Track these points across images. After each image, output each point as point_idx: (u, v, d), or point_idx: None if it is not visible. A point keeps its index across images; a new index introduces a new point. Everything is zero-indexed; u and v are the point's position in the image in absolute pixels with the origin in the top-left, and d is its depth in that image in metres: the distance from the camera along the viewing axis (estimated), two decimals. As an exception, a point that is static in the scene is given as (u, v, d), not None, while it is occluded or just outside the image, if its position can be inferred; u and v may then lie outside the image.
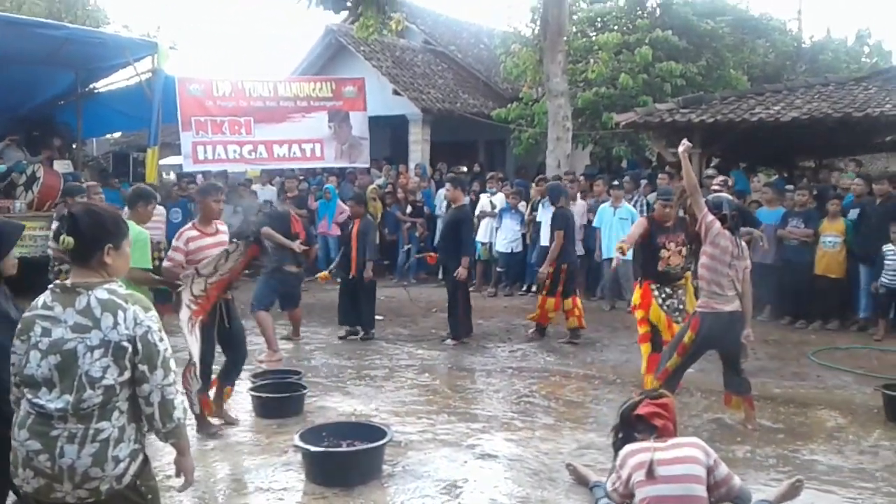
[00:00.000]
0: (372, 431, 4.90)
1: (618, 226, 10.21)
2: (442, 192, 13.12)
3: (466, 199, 10.68)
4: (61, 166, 12.23)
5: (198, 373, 4.99)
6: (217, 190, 5.82)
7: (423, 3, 20.17)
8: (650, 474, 3.56)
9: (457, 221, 8.58)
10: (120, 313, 2.46)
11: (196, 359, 4.90)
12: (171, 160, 16.18)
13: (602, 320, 9.82)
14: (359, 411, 6.11)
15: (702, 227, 5.47)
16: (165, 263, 5.55)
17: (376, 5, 11.68)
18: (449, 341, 8.60)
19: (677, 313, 6.34)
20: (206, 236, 5.54)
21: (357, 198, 9.28)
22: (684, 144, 5.61)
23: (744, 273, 5.50)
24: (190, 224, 5.69)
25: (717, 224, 5.40)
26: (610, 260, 10.01)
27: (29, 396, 2.46)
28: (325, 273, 9.53)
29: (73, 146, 13.71)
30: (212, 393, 5.72)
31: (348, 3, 12.15)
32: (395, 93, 15.90)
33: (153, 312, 2.53)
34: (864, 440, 5.48)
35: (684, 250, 6.44)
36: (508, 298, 11.53)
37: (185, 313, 4.95)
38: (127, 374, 2.47)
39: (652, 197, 11.14)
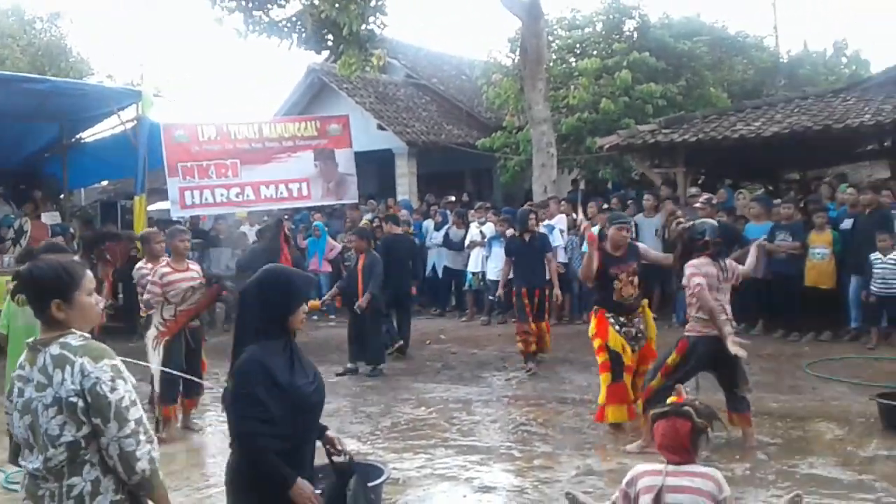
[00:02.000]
0: (369, 470, 4.86)
1: None
2: (430, 223, 13.24)
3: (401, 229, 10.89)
4: (49, 218, 12.25)
5: (155, 384, 6.16)
6: (181, 232, 6.84)
7: (403, 38, 20.41)
8: (657, 501, 3.53)
9: (369, 267, 8.76)
10: (67, 368, 2.38)
11: (154, 371, 6.01)
12: (160, 206, 16.19)
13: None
14: (355, 450, 6.04)
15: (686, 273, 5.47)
16: (145, 296, 6.44)
17: (357, 43, 11.79)
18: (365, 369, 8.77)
19: (634, 342, 6.15)
20: (177, 272, 6.41)
21: (360, 233, 9.35)
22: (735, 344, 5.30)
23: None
24: (164, 262, 6.56)
25: (698, 275, 5.36)
26: None
27: (21, 457, 2.51)
28: (315, 302, 9.54)
29: (61, 197, 13.72)
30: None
31: (329, 43, 12.26)
32: (380, 127, 16.01)
33: (106, 362, 2.41)
34: (862, 451, 5.47)
35: (636, 280, 6.26)
36: (502, 326, 11.51)
37: (152, 332, 6.08)
38: (86, 429, 2.40)
39: (640, 218, 11.28)
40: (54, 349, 2.42)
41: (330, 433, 3.21)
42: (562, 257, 10.88)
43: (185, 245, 6.64)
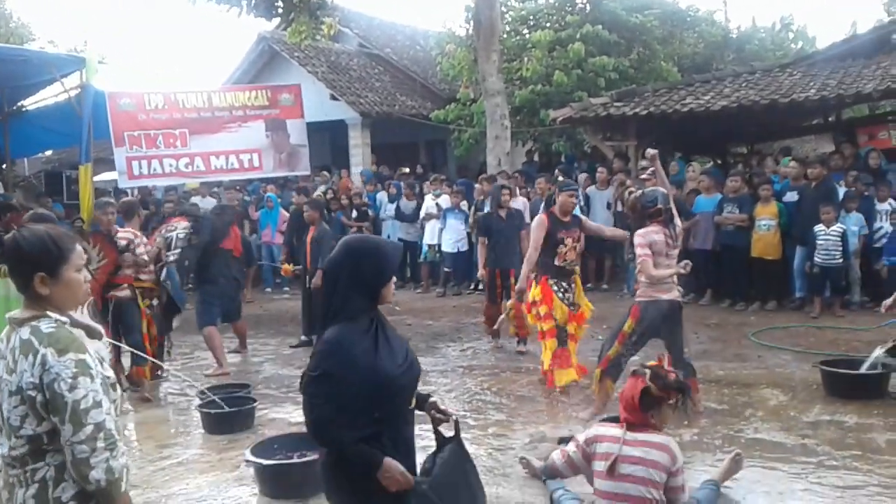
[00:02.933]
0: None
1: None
2: (383, 194, 13.20)
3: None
4: (-10, 188, 11.86)
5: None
6: (108, 204, 7.26)
7: (356, 7, 20.15)
8: (611, 470, 3.61)
9: (318, 240, 8.59)
10: (31, 357, 2.17)
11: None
12: (106, 176, 15.81)
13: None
14: (311, 421, 6.06)
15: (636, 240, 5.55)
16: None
17: (308, 11, 11.59)
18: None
19: (573, 307, 6.55)
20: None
21: (313, 203, 9.19)
22: (651, 152, 5.81)
23: None
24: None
25: (644, 245, 5.43)
26: None
27: None
28: (287, 266, 9.48)
29: (3, 167, 13.29)
30: None
31: (280, 10, 12.02)
32: (333, 98, 15.83)
33: (70, 356, 2.17)
34: (804, 416, 5.67)
35: (578, 246, 6.71)
36: (457, 297, 11.60)
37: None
38: (46, 424, 2.20)
39: (592, 190, 11.41)
40: (24, 332, 2.22)
41: (433, 399, 3.02)
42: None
43: (109, 218, 7.02)
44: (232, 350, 8.44)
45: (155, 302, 7.33)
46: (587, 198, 11.33)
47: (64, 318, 2.27)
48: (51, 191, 14.40)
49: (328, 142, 17.13)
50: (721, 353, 7.66)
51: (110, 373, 2.31)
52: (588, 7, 15.98)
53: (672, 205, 5.68)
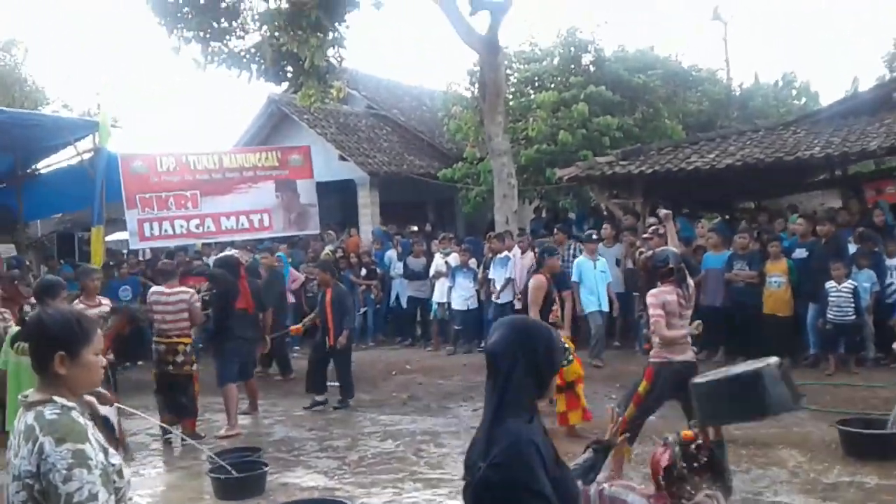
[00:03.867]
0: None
1: (600, 278, 10.24)
2: (392, 252, 13.26)
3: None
4: (4, 249, 11.96)
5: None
6: (94, 271, 7.55)
7: (364, 69, 20.53)
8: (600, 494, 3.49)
9: (338, 300, 8.71)
10: (30, 444, 2.13)
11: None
12: (118, 236, 15.94)
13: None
14: (322, 486, 6.00)
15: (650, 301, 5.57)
16: None
17: (317, 76, 11.82)
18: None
19: (567, 352, 7.05)
20: (90, 308, 6.69)
21: (323, 265, 9.32)
22: (664, 212, 5.99)
23: None
24: (78, 300, 6.96)
25: (657, 306, 5.43)
26: (595, 314, 10.13)
27: None
28: (297, 326, 9.50)
29: (16, 229, 13.44)
30: None
31: (289, 75, 12.27)
32: (342, 158, 16.03)
33: (67, 446, 2.10)
34: (824, 477, 5.58)
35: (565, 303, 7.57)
36: (467, 356, 11.50)
37: None
38: None
39: (600, 248, 11.43)
40: (29, 417, 2.19)
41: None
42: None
43: (94, 284, 7.20)
44: (242, 411, 8.38)
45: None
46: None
47: (71, 404, 2.23)
48: (63, 252, 14.52)
49: (337, 201, 17.28)
50: (736, 412, 7.56)
51: (116, 460, 2.26)
52: (592, 68, 16.27)
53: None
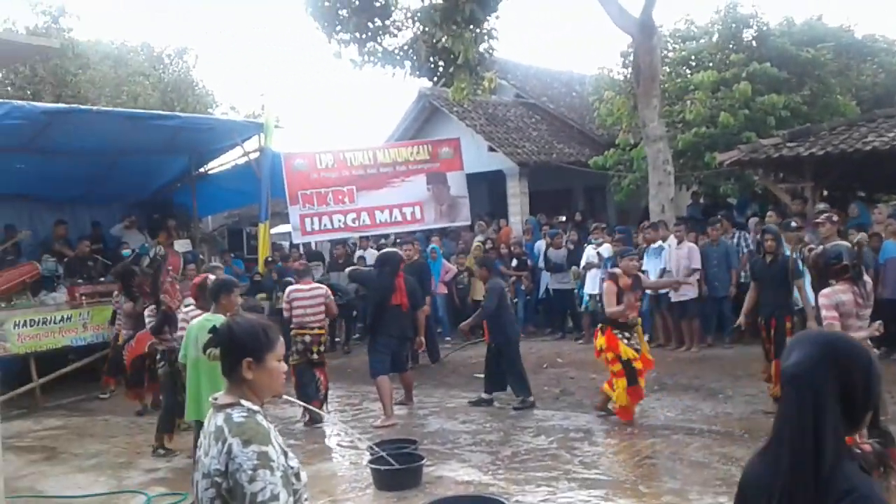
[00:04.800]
0: (493, 504, 4.83)
1: None
2: (542, 243, 13.15)
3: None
4: (181, 245, 12.90)
5: None
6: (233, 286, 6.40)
7: (512, 57, 20.40)
8: None
9: (488, 293, 8.67)
10: (220, 444, 2.28)
11: None
12: (281, 228, 16.80)
13: (724, 369, 9.43)
14: (476, 480, 6.04)
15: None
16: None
17: (468, 69, 11.88)
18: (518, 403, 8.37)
19: (637, 351, 7.46)
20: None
21: (481, 261, 9.50)
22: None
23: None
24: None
25: (829, 307, 5.01)
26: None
27: None
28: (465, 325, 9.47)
29: (191, 225, 14.46)
30: None
31: (440, 70, 12.40)
32: (491, 149, 16.06)
33: (253, 448, 2.24)
34: None
35: (639, 304, 7.82)
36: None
37: None
38: None
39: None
40: (219, 418, 2.35)
41: None
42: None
43: (233, 300, 6.90)
44: (398, 402, 8.60)
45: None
46: (759, 243, 10.75)
47: (256, 408, 2.38)
48: (232, 246, 15.46)
49: (486, 192, 17.36)
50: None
51: (295, 463, 2.38)
52: (754, 44, 15.34)
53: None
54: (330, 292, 8.49)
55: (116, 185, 13.05)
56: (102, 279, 11.58)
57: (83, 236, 12.66)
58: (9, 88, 16.82)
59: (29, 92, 17.01)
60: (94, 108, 12.64)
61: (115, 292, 10.11)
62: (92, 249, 12.18)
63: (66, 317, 10.58)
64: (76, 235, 12.73)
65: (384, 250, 9.86)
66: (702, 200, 15.45)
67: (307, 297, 8.17)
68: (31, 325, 10.15)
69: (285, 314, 8.27)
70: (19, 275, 10.87)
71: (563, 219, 15.24)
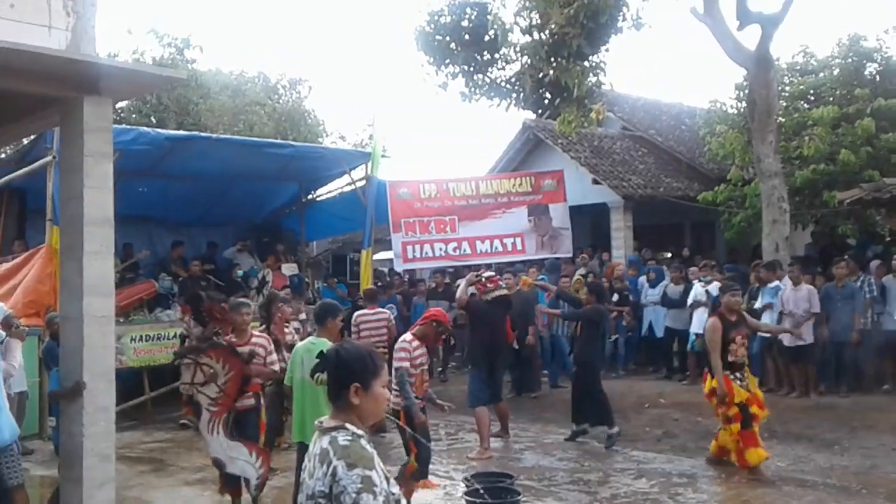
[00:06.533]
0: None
1: None
2: (644, 279, 12.82)
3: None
4: (288, 269, 13.31)
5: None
6: (242, 305, 6.49)
7: (619, 89, 20.13)
8: None
9: (589, 320, 8.63)
10: (325, 467, 2.33)
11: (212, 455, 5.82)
12: (383, 255, 17.09)
13: (839, 418, 8.88)
14: (574, 521, 5.87)
15: None
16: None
17: (577, 101, 11.83)
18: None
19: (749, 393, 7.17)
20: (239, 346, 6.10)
21: (591, 287, 9.47)
22: None
23: None
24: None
25: None
26: None
27: None
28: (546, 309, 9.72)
29: (298, 250, 14.90)
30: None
31: (546, 101, 12.40)
32: (595, 182, 15.86)
33: (358, 472, 2.28)
34: None
35: (747, 342, 7.40)
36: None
37: (205, 417, 5.79)
38: None
39: (889, 279, 10.20)
40: (325, 441, 2.39)
41: None
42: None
43: (244, 318, 6.33)
44: (494, 434, 8.51)
45: None
46: (882, 287, 10.14)
47: (360, 432, 2.41)
48: (336, 271, 15.83)
49: (589, 224, 17.12)
50: None
51: (396, 489, 2.41)
52: (878, 78, 14.62)
53: None
54: (391, 316, 9.06)
55: (231, 208, 13.63)
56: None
57: (197, 256, 13.22)
58: (135, 116, 17.84)
59: (153, 119, 18.03)
60: (214, 135, 13.24)
61: (186, 316, 10.24)
62: (204, 270, 12.69)
63: (179, 333, 11.02)
64: (192, 256, 13.31)
65: (499, 292, 9.56)
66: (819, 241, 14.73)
67: (372, 320, 8.94)
68: (146, 341, 10.63)
69: (353, 337, 8.62)
70: (137, 292, 11.41)
71: (669, 255, 14.82)
